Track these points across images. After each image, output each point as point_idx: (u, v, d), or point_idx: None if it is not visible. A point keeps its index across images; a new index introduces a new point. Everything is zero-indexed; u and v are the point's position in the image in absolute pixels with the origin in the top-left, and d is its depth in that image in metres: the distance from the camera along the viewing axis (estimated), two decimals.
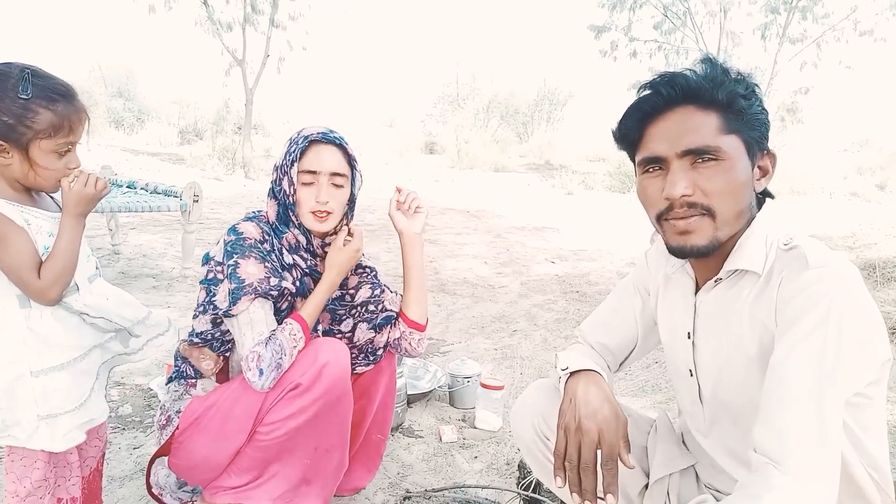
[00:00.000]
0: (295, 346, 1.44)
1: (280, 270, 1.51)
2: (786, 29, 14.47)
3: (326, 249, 1.63)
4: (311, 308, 1.52)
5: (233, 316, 1.44)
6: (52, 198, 1.36)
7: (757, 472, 0.88)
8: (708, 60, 1.06)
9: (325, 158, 1.53)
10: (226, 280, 1.45)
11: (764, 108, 1.06)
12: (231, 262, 1.45)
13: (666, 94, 1.04)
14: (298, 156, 1.52)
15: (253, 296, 1.42)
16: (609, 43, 16.18)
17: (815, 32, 14.53)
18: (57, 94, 1.21)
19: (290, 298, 1.54)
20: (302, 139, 1.53)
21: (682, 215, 1.03)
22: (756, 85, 1.07)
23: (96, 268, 1.42)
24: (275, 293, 1.46)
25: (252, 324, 1.43)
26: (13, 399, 1.22)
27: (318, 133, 1.54)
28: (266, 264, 1.47)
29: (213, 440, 1.48)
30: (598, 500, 1.08)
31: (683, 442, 1.29)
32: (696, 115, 1.02)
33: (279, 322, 1.50)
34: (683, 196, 1.02)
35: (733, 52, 15.06)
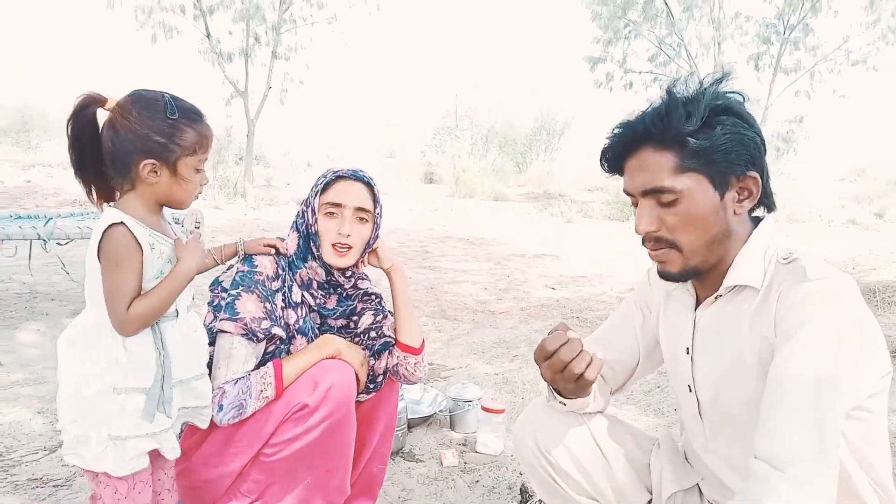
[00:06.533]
0: (262, 391, 1.43)
1: (281, 311, 1.51)
2: (779, 59, 14.70)
3: (345, 280, 1.63)
4: (293, 368, 1.48)
5: (217, 332, 1.44)
6: (169, 224, 1.39)
7: (757, 478, 0.88)
8: (669, 93, 1.06)
9: (352, 193, 1.55)
10: (223, 307, 1.46)
11: (736, 132, 1.02)
12: (234, 292, 1.47)
13: (622, 139, 1.09)
14: (322, 188, 1.54)
15: (242, 331, 1.43)
16: (605, 74, 16.41)
17: (808, 62, 14.77)
18: (196, 114, 1.28)
19: (277, 343, 1.53)
20: (330, 173, 1.57)
21: (651, 248, 1.10)
22: (726, 107, 1.03)
23: (192, 298, 1.38)
24: (261, 336, 1.46)
25: (230, 359, 1.44)
26: (89, 415, 1.20)
27: (347, 170, 1.58)
28: (266, 305, 1.47)
29: (217, 461, 1.47)
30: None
31: (686, 459, 1.29)
32: (652, 156, 1.05)
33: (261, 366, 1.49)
34: (648, 232, 1.08)
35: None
